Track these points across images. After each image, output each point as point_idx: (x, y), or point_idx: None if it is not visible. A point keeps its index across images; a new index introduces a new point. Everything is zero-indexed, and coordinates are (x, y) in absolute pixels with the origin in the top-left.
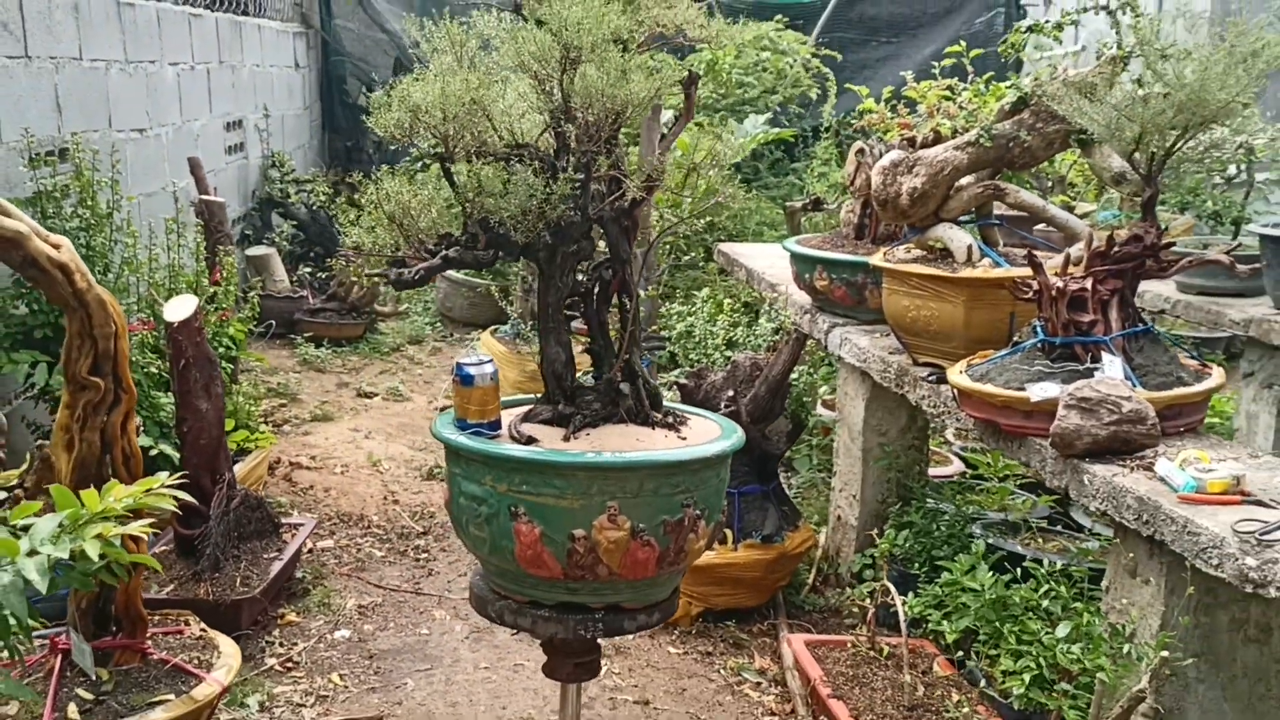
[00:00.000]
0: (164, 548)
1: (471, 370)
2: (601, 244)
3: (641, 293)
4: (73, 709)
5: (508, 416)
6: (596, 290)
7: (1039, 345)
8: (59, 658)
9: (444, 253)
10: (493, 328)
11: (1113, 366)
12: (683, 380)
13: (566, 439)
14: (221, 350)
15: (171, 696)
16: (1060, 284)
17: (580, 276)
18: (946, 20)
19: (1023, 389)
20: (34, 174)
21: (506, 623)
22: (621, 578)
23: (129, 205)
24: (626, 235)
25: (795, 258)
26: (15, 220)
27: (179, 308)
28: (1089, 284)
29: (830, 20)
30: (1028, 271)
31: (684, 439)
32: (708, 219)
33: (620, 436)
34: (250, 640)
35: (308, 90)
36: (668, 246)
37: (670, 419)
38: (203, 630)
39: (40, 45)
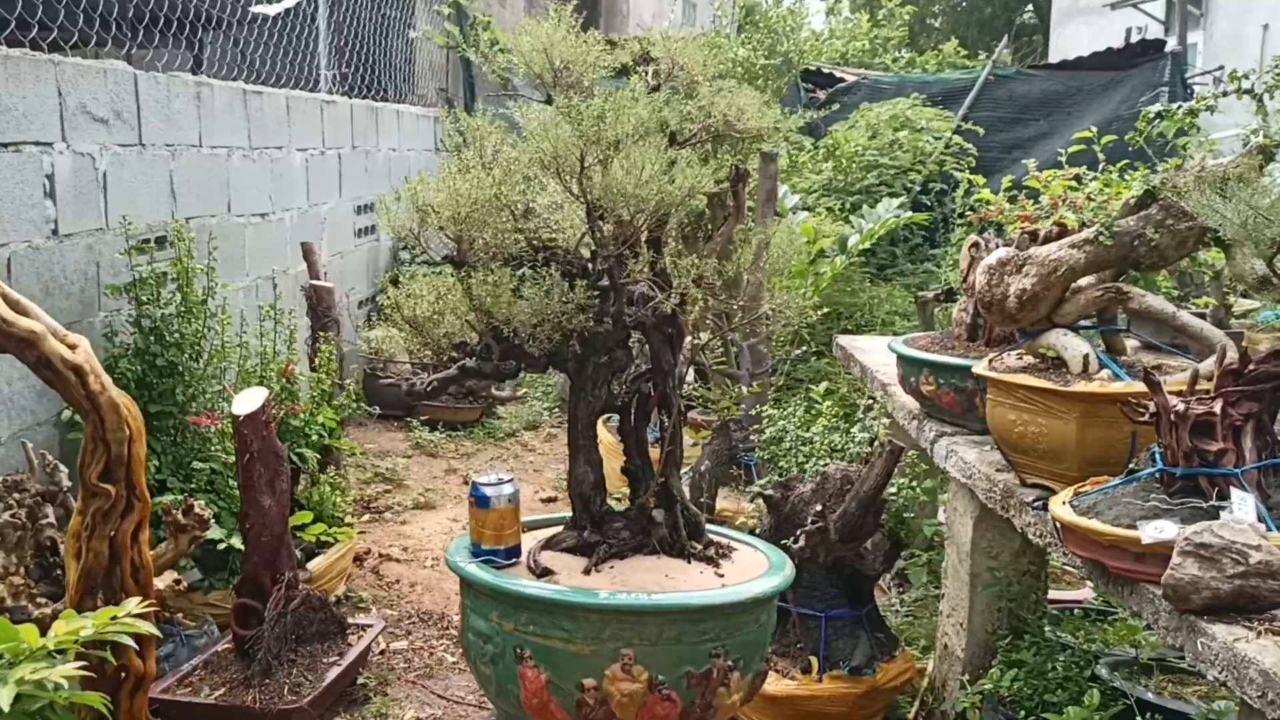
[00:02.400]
0: (226, 646)
1: (488, 491)
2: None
3: (744, 389)
4: None
5: (531, 540)
6: (634, 405)
7: (1157, 476)
8: None
9: (462, 362)
10: (607, 415)
11: (1243, 506)
12: (768, 491)
13: (587, 572)
14: (315, 439)
15: None
16: (1181, 406)
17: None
18: (1104, 97)
19: (1134, 527)
20: (130, 261)
21: None
22: None
23: (226, 292)
24: (670, 344)
25: (901, 359)
26: (31, 320)
27: (247, 400)
28: (1218, 407)
29: (978, 98)
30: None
31: (721, 576)
32: (828, 309)
33: (648, 571)
34: None
35: None
36: (788, 337)
37: (712, 551)
38: None
39: (156, 133)
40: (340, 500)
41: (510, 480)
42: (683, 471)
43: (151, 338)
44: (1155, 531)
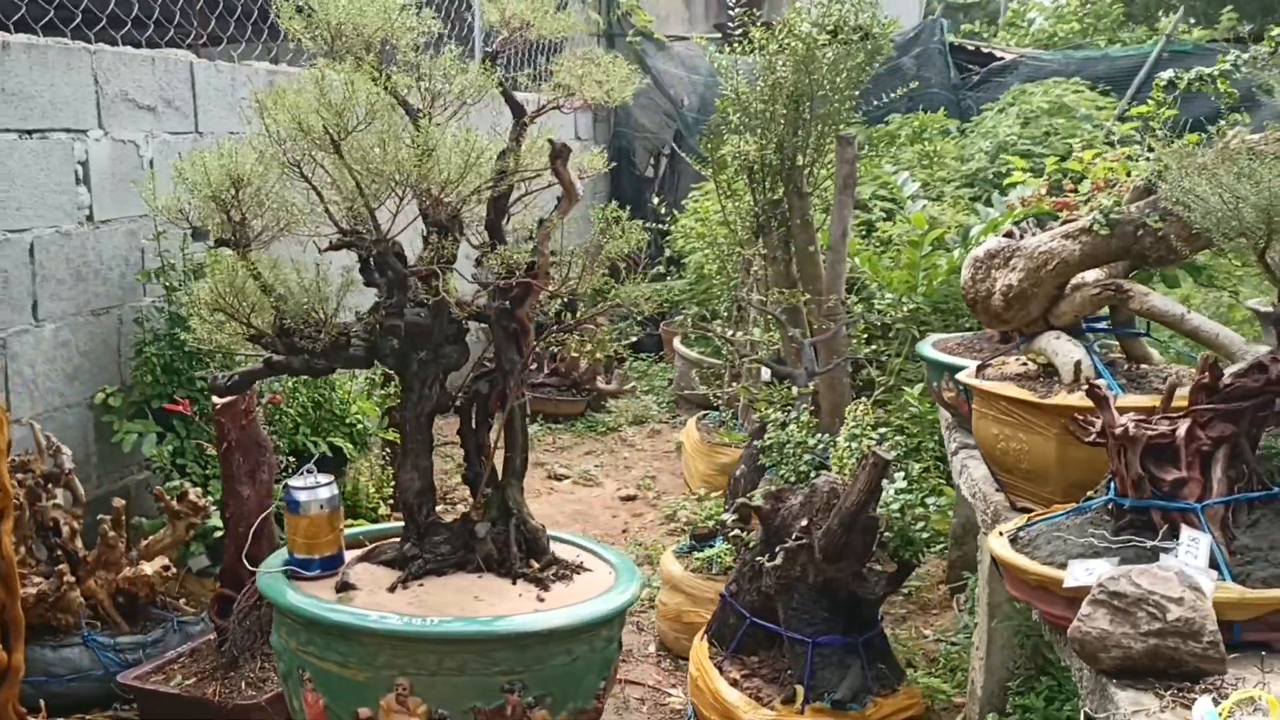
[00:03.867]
0: (213, 635)
1: (300, 495)
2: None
3: (798, 388)
4: None
5: (359, 551)
6: (474, 406)
7: (1107, 506)
8: None
9: (268, 356)
10: (703, 413)
11: (1192, 547)
12: (757, 503)
13: (393, 589)
14: (358, 428)
15: None
16: (1131, 427)
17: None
18: None
19: (1065, 566)
20: (158, 247)
21: None
22: None
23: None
24: (514, 340)
25: (927, 363)
26: None
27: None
28: (1182, 429)
29: (1146, 81)
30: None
31: (542, 600)
32: (944, 305)
33: (458, 591)
34: None
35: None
36: (868, 334)
37: (551, 571)
38: None
39: (216, 121)
40: (374, 492)
41: (329, 483)
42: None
43: (176, 324)
44: (1083, 573)
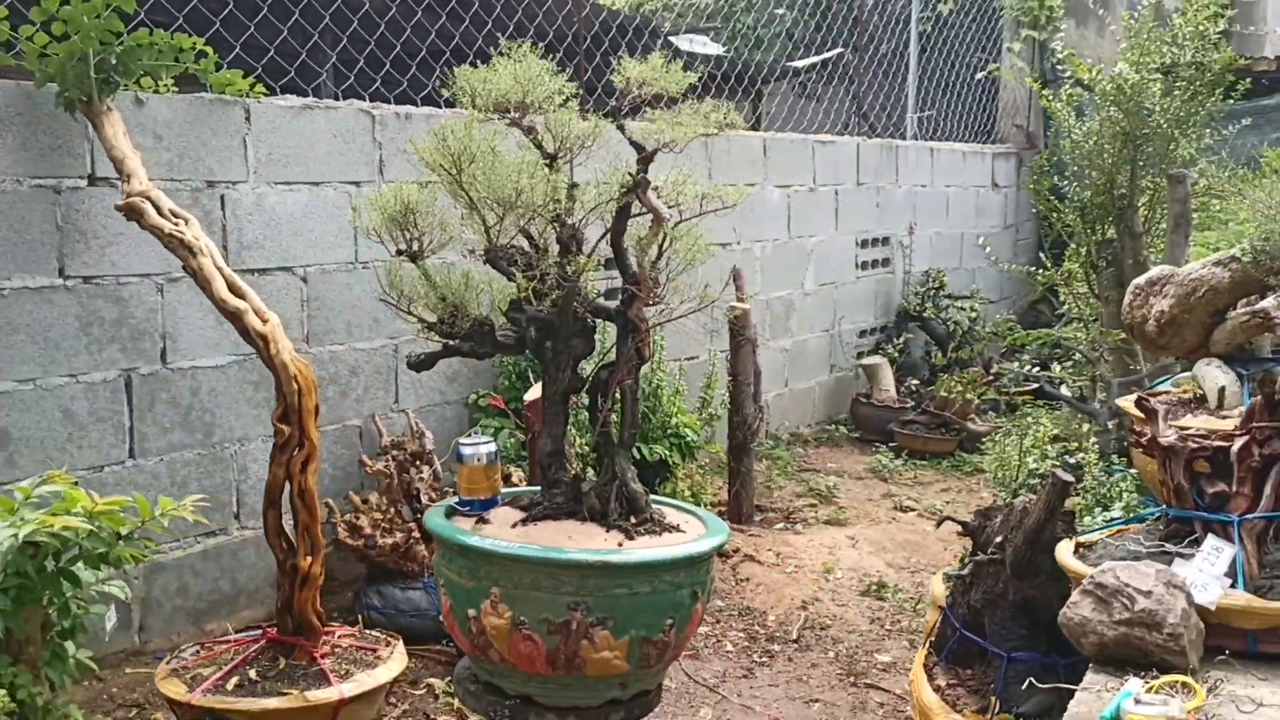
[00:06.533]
0: None
1: (465, 450)
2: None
3: (1098, 424)
4: (235, 679)
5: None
6: (600, 390)
7: (1159, 517)
8: (262, 641)
9: (445, 342)
10: None
11: (1213, 556)
12: (965, 519)
13: (513, 525)
14: (686, 440)
15: (294, 692)
16: (1174, 439)
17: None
18: None
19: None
20: None
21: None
22: (515, 666)
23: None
24: (627, 336)
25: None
26: (238, 300)
27: (536, 389)
28: (1237, 444)
29: None
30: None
31: (621, 545)
32: None
33: (557, 531)
34: None
35: (1009, 209)
36: None
37: (644, 525)
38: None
39: None
40: (690, 497)
41: (489, 442)
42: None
43: None
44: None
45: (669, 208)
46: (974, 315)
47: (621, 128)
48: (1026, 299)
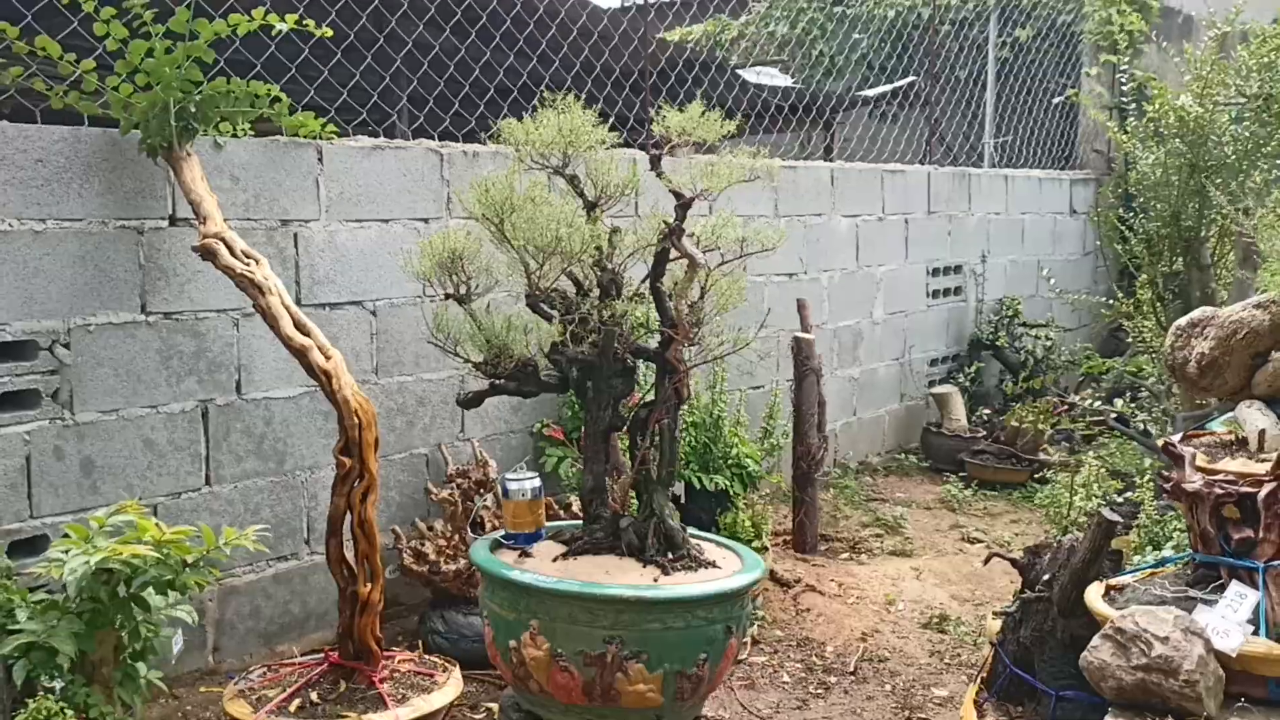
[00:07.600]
0: None
1: (511, 485)
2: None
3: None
4: (297, 701)
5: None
6: (639, 428)
7: (1187, 561)
8: (325, 665)
9: (491, 380)
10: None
11: (1237, 602)
12: (1014, 555)
13: (555, 560)
14: (750, 469)
15: (352, 715)
16: (1200, 485)
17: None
18: None
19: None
20: None
21: None
22: (553, 696)
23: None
24: (665, 376)
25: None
26: (303, 337)
27: None
28: (1265, 490)
29: None
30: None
31: (655, 580)
32: None
33: (596, 566)
34: None
35: (1088, 236)
36: None
37: (682, 561)
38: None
39: None
40: (750, 526)
41: (534, 478)
42: None
43: None
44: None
45: (708, 251)
46: (1049, 343)
47: (660, 175)
48: (1107, 325)
